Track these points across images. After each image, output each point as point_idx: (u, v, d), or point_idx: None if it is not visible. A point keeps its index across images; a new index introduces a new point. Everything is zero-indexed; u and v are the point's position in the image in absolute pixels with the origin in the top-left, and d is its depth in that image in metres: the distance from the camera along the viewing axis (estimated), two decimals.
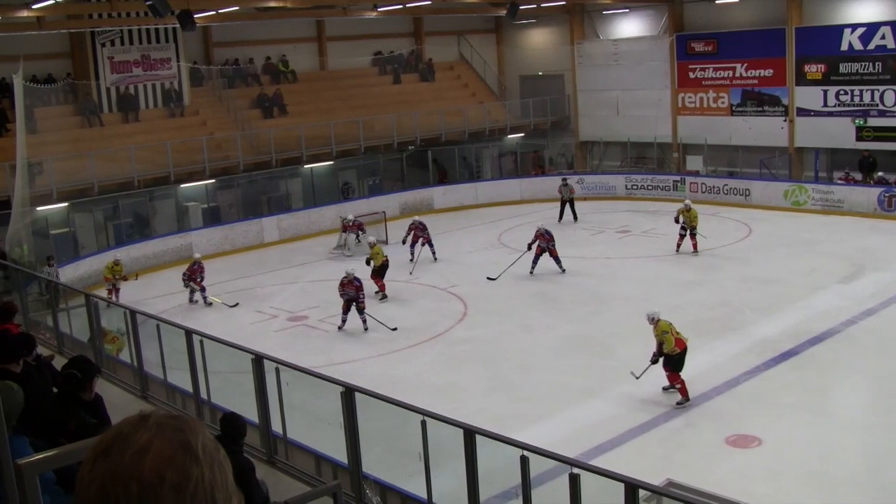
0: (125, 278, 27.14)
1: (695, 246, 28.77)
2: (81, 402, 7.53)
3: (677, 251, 28.96)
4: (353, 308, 22.80)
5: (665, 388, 17.51)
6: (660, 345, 17.07)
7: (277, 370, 11.34)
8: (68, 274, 27.00)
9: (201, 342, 12.64)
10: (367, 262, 26.08)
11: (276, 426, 11.37)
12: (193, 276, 25.98)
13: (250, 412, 10.88)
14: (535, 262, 27.26)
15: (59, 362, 9.89)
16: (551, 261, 27.01)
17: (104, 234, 32.01)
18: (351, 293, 22.71)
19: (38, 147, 29.87)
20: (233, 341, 13.09)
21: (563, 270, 27.17)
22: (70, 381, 7.59)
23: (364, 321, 22.74)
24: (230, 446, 8.14)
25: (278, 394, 11.34)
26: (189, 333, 12.73)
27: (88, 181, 30.79)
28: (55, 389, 8.01)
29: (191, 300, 26.27)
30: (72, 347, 15.74)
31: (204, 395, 12.79)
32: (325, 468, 11.31)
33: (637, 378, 17.57)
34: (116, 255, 27.63)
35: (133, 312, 14.30)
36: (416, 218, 30.75)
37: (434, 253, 29.78)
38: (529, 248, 27.37)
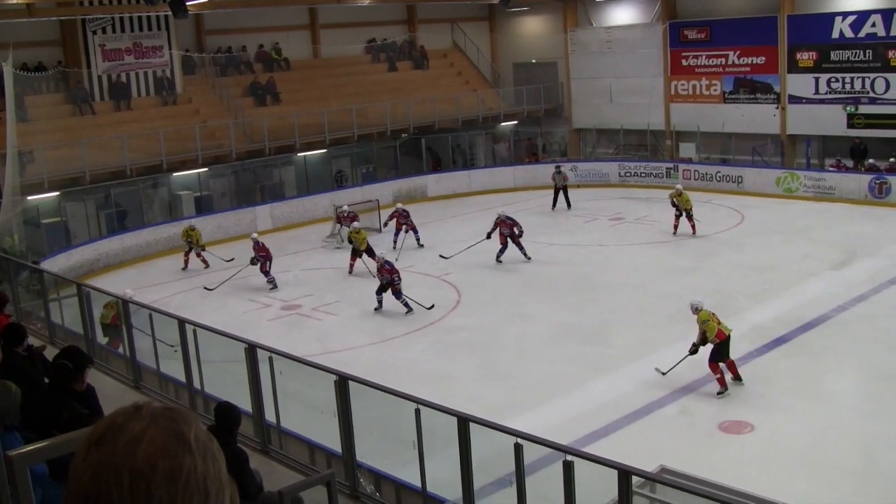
0: (200, 244, 28.93)
1: (693, 228, 29.19)
2: (73, 392, 7.53)
3: (674, 233, 29.42)
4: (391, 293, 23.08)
5: (719, 393, 16.80)
6: (702, 334, 16.99)
7: (271, 359, 11.33)
8: (60, 263, 26.95)
9: (195, 331, 12.62)
10: (350, 241, 27.16)
11: (270, 415, 11.36)
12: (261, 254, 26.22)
13: (244, 401, 10.88)
14: (501, 251, 27.34)
15: (50, 353, 9.89)
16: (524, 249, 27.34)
17: (96, 223, 31.91)
18: (386, 278, 23.01)
19: (28, 136, 29.77)
20: (226, 330, 13.08)
21: (529, 258, 27.27)
22: (61, 371, 7.58)
23: (405, 303, 22.92)
24: (225, 436, 8.13)
25: (272, 383, 11.33)
26: (182, 323, 12.71)
27: (80, 170, 30.68)
28: (47, 380, 8.01)
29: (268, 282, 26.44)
30: (63, 338, 15.71)
31: (197, 384, 12.77)
32: (318, 457, 11.31)
33: (664, 374, 17.47)
34: (192, 221, 29.93)
35: (125, 302, 14.28)
36: (399, 205, 30.96)
37: (418, 240, 29.89)
38: (489, 236, 27.51)
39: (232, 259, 28.09)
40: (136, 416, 1.76)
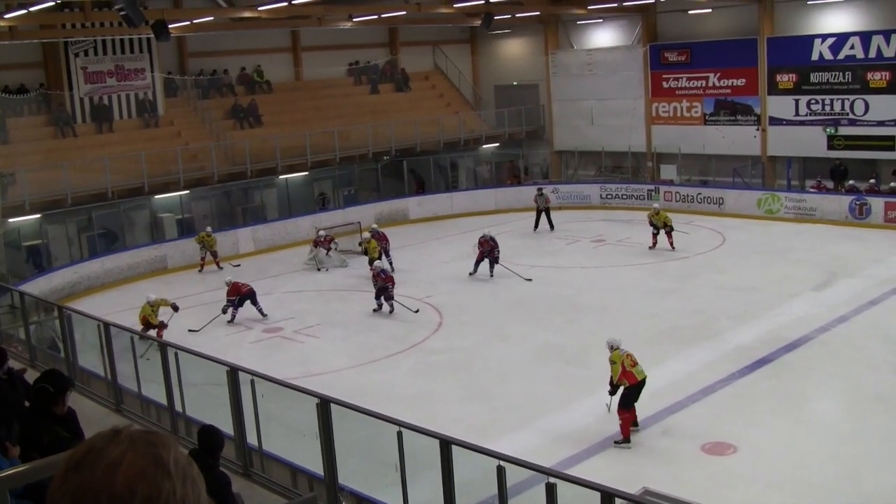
0: (213, 249, 31.06)
1: (671, 244, 29.85)
2: (54, 416, 7.48)
3: (652, 247, 30.19)
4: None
5: (616, 443, 15.88)
6: (611, 377, 16.10)
7: (253, 382, 11.29)
8: (41, 286, 26.81)
9: (176, 354, 12.57)
10: (365, 252, 28.91)
11: (252, 438, 11.31)
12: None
13: (226, 424, 10.83)
14: (476, 264, 28.22)
15: (31, 376, 9.83)
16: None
17: (77, 245, 31.79)
18: (380, 284, 24.72)
19: (10, 158, 29.69)
20: (207, 353, 13.03)
21: (492, 276, 27.98)
22: (42, 394, 7.54)
23: (391, 306, 24.88)
24: (208, 459, 8.10)
25: (254, 406, 11.28)
26: (163, 346, 12.66)
27: (62, 192, 30.57)
28: (27, 404, 7.96)
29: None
30: (44, 361, 15.63)
31: (179, 408, 12.71)
32: (301, 480, 11.26)
33: (609, 411, 16.48)
34: (208, 228, 31.71)
35: (107, 325, 14.22)
36: (374, 226, 31.16)
37: (391, 263, 29.80)
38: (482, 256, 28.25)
39: (238, 265, 31.12)
40: (115, 441, 1.76)
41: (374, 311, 25.03)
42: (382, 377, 20.08)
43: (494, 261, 27.87)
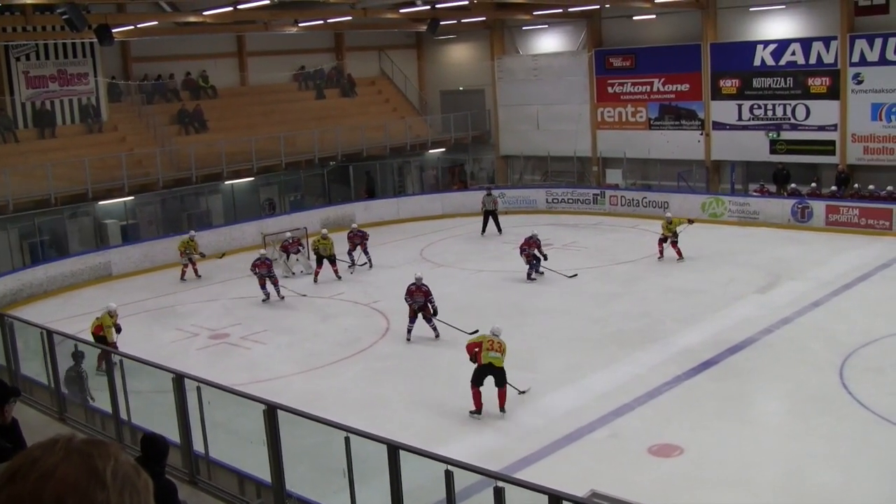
0: (201, 254, 30.70)
1: (678, 252, 29.47)
2: None
3: (660, 257, 29.71)
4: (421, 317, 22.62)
5: (471, 413, 17.39)
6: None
7: (199, 389, 11.21)
8: None
9: (121, 362, 12.46)
10: (315, 252, 29.31)
11: (199, 446, 11.24)
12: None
13: (172, 432, 10.74)
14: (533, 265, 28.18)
15: None
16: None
17: (20, 252, 31.39)
18: (420, 300, 22.47)
19: None
20: (153, 360, 12.93)
21: (540, 273, 28.25)
22: None
23: (434, 328, 22.50)
24: (152, 468, 8.02)
25: (200, 413, 11.21)
26: (108, 353, 12.54)
27: (3, 199, 30.15)
28: None
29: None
30: None
31: (124, 415, 12.60)
32: (248, 487, 11.20)
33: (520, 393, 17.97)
34: (191, 232, 31.51)
35: (50, 332, 14.05)
36: (354, 225, 31.54)
37: (370, 260, 30.50)
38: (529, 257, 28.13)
39: (223, 255, 31.99)
40: (51, 451, 1.74)
41: (407, 340, 22.68)
42: (330, 383, 20.01)
43: (537, 263, 28.08)
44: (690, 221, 30.02)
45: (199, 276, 30.53)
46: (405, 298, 22.66)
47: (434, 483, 8.38)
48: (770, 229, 33.15)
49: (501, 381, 17.31)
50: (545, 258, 28.16)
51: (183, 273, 30.54)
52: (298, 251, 30.82)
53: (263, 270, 26.83)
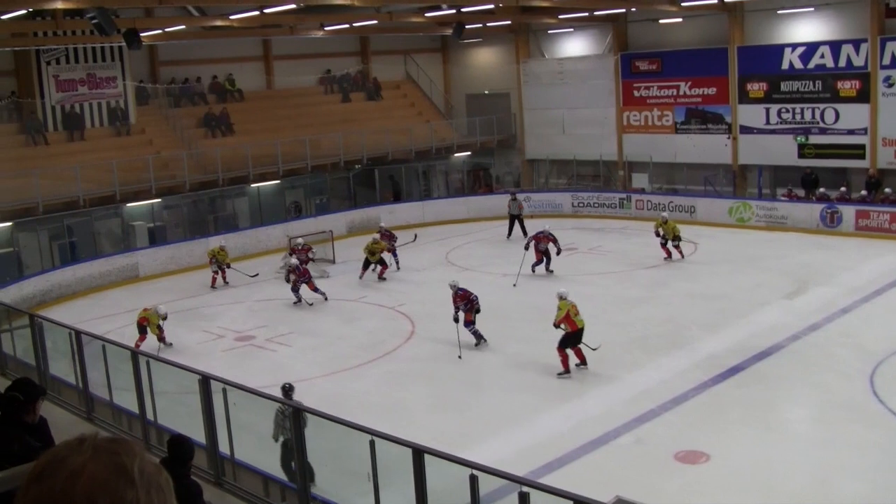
0: (227, 264, 30.24)
1: (681, 253, 29.85)
2: (25, 425, 7.42)
3: (669, 258, 29.85)
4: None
5: (559, 374, 19.47)
6: (555, 318, 19.54)
7: (224, 391, 11.25)
8: (12, 294, 26.63)
9: (148, 363, 12.51)
10: (371, 254, 29.37)
11: (224, 447, 11.27)
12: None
13: (198, 433, 10.78)
14: (546, 264, 28.95)
15: (2, 384, 9.76)
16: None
17: (49, 253, 31.61)
18: (461, 305, 22.07)
19: None
20: (179, 362, 12.98)
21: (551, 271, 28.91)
22: (13, 403, 7.47)
23: (474, 334, 22.04)
24: (178, 469, 8.06)
25: (226, 414, 11.24)
26: (135, 354, 12.60)
27: (33, 200, 30.42)
28: None
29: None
30: (15, 369, 15.52)
31: (151, 416, 12.65)
32: (273, 489, 11.23)
33: (593, 349, 19.53)
34: (221, 242, 31.32)
35: (78, 333, 14.13)
36: (383, 225, 31.78)
37: (397, 262, 30.68)
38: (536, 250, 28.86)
39: (256, 274, 30.29)
40: (78, 450, 1.74)
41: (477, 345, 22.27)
42: (354, 386, 20.02)
43: (548, 260, 28.73)
44: (678, 239, 29.94)
45: (227, 283, 30.40)
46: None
47: (458, 487, 8.37)
48: (798, 234, 32.91)
49: (580, 339, 19.43)
50: (558, 253, 28.72)
51: (213, 281, 30.31)
52: (308, 258, 30.72)
53: (304, 277, 26.92)
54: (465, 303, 21.98)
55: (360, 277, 29.42)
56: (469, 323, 21.97)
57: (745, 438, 16.06)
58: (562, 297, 19.69)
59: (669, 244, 29.71)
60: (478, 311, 22.03)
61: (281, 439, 12.59)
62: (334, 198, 41.29)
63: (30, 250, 31.06)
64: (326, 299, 27.01)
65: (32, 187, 30.49)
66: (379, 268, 29.62)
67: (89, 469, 1.70)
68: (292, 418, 9.90)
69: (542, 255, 28.67)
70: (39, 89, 34.02)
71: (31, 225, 30.87)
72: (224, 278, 30.39)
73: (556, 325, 19.49)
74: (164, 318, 22.87)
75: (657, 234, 29.86)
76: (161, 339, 22.67)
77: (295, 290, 26.81)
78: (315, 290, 26.87)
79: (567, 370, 19.41)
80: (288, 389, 14.49)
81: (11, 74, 34.43)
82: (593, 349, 19.54)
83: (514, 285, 27.70)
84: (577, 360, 19.62)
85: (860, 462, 15.10)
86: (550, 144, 43.36)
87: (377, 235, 30.26)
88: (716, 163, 38.33)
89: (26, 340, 15.61)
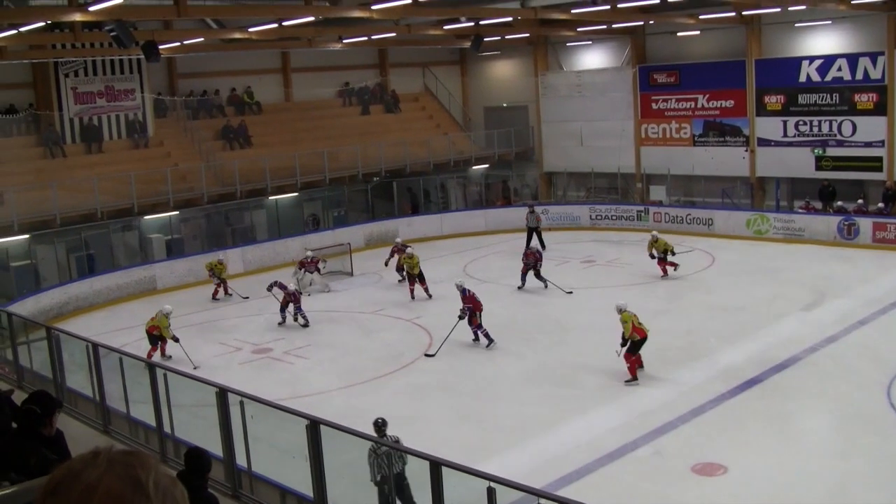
0: (222, 278, 30.43)
1: (674, 265, 29.55)
2: (42, 437, 7.42)
3: (666, 276, 29.58)
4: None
5: (627, 382, 19.64)
6: (623, 333, 19.72)
7: (242, 403, 11.25)
8: (29, 307, 26.73)
9: (165, 375, 12.53)
10: (401, 271, 29.45)
11: (241, 460, 11.27)
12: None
13: (215, 446, 10.79)
14: (522, 278, 28.79)
15: (18, 397, 9.77)
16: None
17: (66, 266, 31.71)
18: (468, 308, 23.06)
19: None
20: (196, 374, 12.99)
21: (546, 286, 28.58)
22: (29, 416, 7.47)
23: (477, 336, 23.27)
24: (196, 482, 8.06)
25: (243, 427, 11.25)
26: (152, 367, 12.62)
27: (50, 212, 30.54)
28: (14, 425, 7.89)
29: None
30: (32, 382, 15.56)
31: (167, 429, 12.66)
32: (290, 501, 11.22)
33: (619, 356, 19.85)
34: (220, 255, 31.73)
35: (95, 346, 14.16)
36: (399, 240, 31.77)
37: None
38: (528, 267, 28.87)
39: (247, 297, 29.96)
40: (93, 464, 1.74)
41: (489, 346, 23.28)
42: (372, 398, 20.00)
43: (537, 273, 28.50)
44: (673, 252, 29.64)
45: (230, 294, 30.51)
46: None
47: (476, 499, 8.34)
48: (815, 246, 32.82)
49: (641, 346, 19.84)
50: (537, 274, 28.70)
51: (215, 293, 30.49)
52: (317, 270, 30.75)
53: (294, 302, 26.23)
54: (473, 306, 22.98)
55: (413, 298, 28.88)
56: (478, 326, 22.94)
57: (762, 450, 15.99)
58: (622, 310, 19.96)
59: (667, 257, 29.51)
60: (461, 317, 23.06)
61: (378, 477, 11.96)
62: (352, 210, 41.35)
63: (47, 263, 31.14)
64: (306, 325, 26.17)
65: (50, 200, 30.62)
66: (408, 283, 29.19)
67: (105, 483, 1.70)
68: (310, 430, 9.89)
69: (526, 270, 28.67)
70: (57, 102, 34.18)
71: (48, 237, 30.95)
72: (226, 290, 30.59)
73: (628, 339, 19.65)
74: (169, 316, 23.16)
75: (651, 256, 29.67)
76: (174, 338, 22.90)
77: (283, 308, 26.34)
78: (296, 317, 26.16)
79: (634, 377, 19.62)
80: (381, 425, 13.54)
81: (29, 87, 34.59)
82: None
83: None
84: (638, 365, 20.01)
85: (878, 473, 15.05)
86: (568, 157, 43.35)
87: (410, 250, 29.67)
88: (733, 175, 38.26)
89: (43, 353, 15.66)
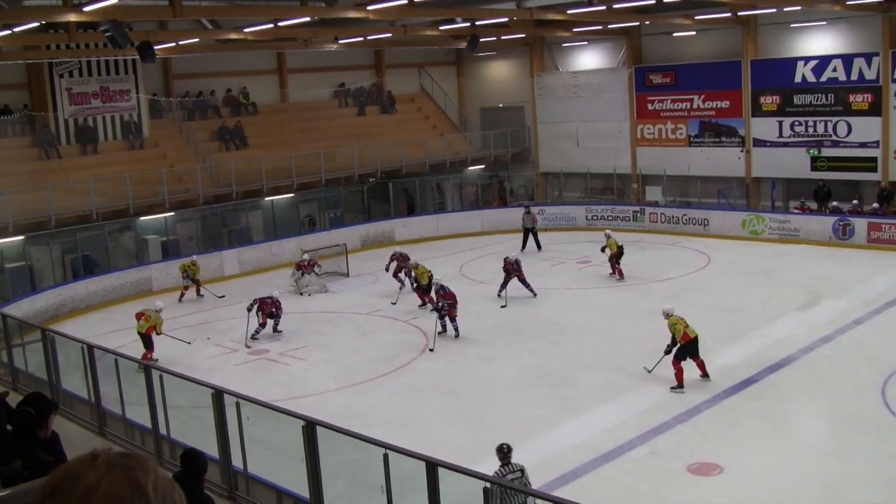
0: (195, 280, 30.51)
1: (620, 273, 29.64)
2: (37, 439, 7.41)
3: (614, 275, 29.74)
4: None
5: (672, 388, 19.07)
6: (672, 336, 19.20)
7: (238, 404, 11.25)
8: (24, 308, 26.69)
9: (160, 377, 12.52)
10: (413, 282, 28.03)
11: (237, 461, 11.27)
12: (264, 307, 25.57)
13: (211, 447, 10.78)
14: (503, 286, 27.95)
15: (14, 399, 9.77)
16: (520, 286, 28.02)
17: (61, 267, 31.66)
18: (445, 304, 23.99)
19: None
20: (192, 375, 12.99)
21: (534, 294, 27.97)
22: (25, 418, 7.47)
23: (449, 329, 24.13)
24: (191, 483, 8.06)
25: (239, 428, 11.24)
26: (148, 368, 12.61)
27: (45, 214, 30.51)
28: (9, 427, 7.89)
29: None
30: (27, 384, 15.54)
31: (163, 430, 12.65)
32: (286, 503, 11.21)
33: (649, 371, 19.78)
34: (193, 257, 31.24)
35: (90, 347, 14.15)
36: (398, 249, 31.31)
37: (412, 282, 30.02)
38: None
39: (223, 296, 30.23)
40: (92, 466, 1.74)
41: (439, 333, 24.11)
42: (368, 399, 20.01)
43: (522, 281, 27.99)
44: (622, 253, 29.53)
45: (202, 296, 30.70)
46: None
47: (473, 500, 8.35)
48: (811, 247, 32.87)
49: (697, 351, 19.34)
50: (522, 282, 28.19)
51: (182, 295, 30.46)
52: (314, 272, 30.73)
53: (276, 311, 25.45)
54: (452, 301, 23.85)
55: (431, 308, 27.79)
56: (453, 318, 23.92)
57: (758, 450, 16.01)
58: (669, 314, 19.62)
59: (617, 262, 29.57)
60: (442, 315, 24.13)
61: None
62: (348, 211, 41.32)
63: (42, 264, 31.09)
64: (277, 331, 25.65)
65: (45, 201, 30.59)
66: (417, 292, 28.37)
67: (104, 485, 1.70)
68: (306, 431, 9.87)
69: (507, 278, 28.05)
70: (52, 102, 34.10)
71: (43, 239, 30.89)
72: (198, 291, 30.78)
73: (676, 343, 19.24)
74: (160, 310, 23.44)
75: (602, 250, 29.86)
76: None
77: (262, 326, 25.55)
78: (274, 329, 25.59)
79: (681, 385, 19.09)
80: (507, 451, 12.62)
81: (24, 87, 34.54)
82: (649, 371, 20.04)
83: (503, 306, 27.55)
84: (700, 373, 19.45)
85: (873, 473, 15.07)
86: (564, 157, 43.39)
87: (414, 260, 28.79)
88: (729, 176, 38.31)
89: (38, 355, 15.64)
